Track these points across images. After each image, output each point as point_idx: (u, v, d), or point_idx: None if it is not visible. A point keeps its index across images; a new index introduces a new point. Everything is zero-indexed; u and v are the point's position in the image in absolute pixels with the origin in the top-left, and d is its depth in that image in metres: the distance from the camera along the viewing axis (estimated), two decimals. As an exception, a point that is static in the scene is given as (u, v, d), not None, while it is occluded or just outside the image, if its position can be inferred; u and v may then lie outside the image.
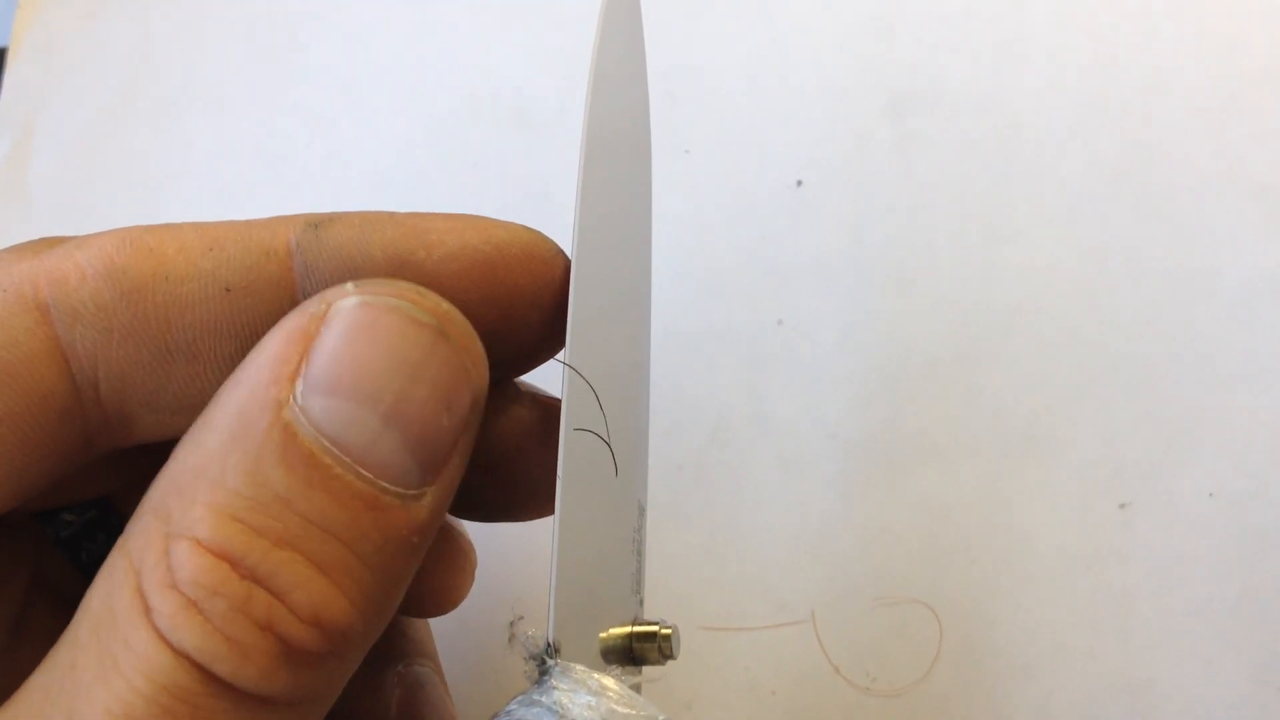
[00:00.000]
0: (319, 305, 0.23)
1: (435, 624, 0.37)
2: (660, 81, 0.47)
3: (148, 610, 0.20)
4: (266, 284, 0.24)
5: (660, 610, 0.34)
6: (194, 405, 0.24)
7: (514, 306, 0.26)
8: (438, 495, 0.23)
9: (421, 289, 0.23)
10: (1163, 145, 0.43)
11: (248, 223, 0.25)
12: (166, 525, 0.21)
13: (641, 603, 0.32)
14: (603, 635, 0.29)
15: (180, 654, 0.20)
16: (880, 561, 0.40)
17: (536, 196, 0.49)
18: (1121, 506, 0.39)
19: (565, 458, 0.27)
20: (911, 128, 0.46)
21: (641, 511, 0.32)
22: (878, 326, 0.43)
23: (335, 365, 0.22)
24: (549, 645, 0.26)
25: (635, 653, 0.30)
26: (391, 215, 0.25)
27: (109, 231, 0.25)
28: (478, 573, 0.35)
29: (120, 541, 0.22)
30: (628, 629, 0.30)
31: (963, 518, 0.40)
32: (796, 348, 0.43)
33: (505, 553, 0.41)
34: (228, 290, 0.24)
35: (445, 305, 0.24)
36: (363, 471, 0.22)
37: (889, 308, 0.43)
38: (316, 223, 0.25)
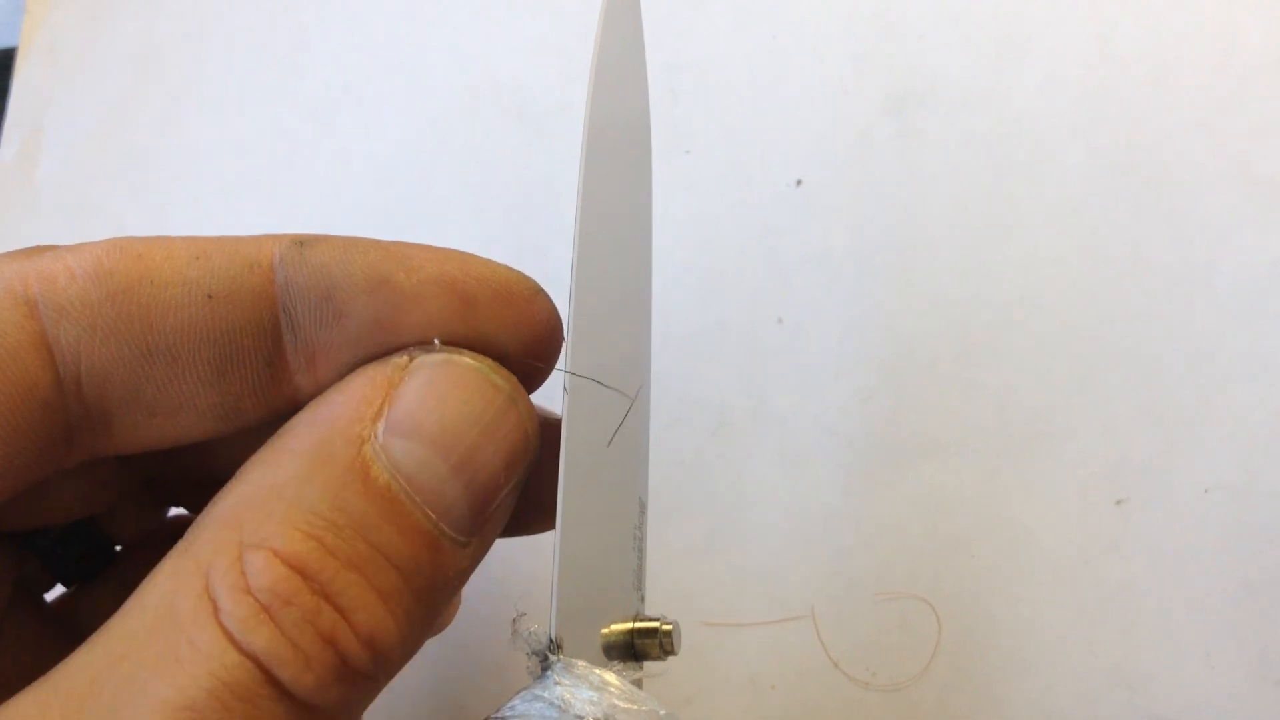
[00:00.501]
0: (402, 357, 0.25)
1: (450, 631, 0.37)
2: (661, 79, 0.47)
3: (216, 611, 0.21)
4: (247, 294, 0.25)
5: (661, 606, 0.34)
6: (171, 406, 0.26)
7: (493, 338, 0.27)
8: (479, 547, 0.26)
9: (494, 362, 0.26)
10: (1162, 140, 0.43)
11: (236, 238, 0.26)
12: (239, 535, 0.22)
13: (643, 599, 0.32)
14: (604, 631, 0.29)
15: (247, 655, 0.21)
16: (880, 557, 0.40)
17: (538, 191, 0.49)
18: (1119, 502, 0.39)
19: (567, 457, 0.27)
20: (911, 125, 0.46)
21: (642, 508, 0.33)
22: (878, 323, 0.43)
23: (417, 412, 0.24)
24: (551, 641, 0.26)
25: (637, 648, 0.30)
26: (376, 241, 0.26)
27: (100, 241, 0.26)
28: (481, 569, 0.35)
29: (183, 547, 0.23)
30: (629, 625, 0.30)
31: (962, 513, 0.40)
32: (797, 345, 0.43)
33: (507, 550, 0.41)
34: (210, 297, 0.25)
35: (514, 378, 0.26)
36: (429, 513, 0.24)
37: (889, 304, 0.43)
38: (303, 241, 0.26)
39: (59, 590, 0.34)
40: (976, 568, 0.39)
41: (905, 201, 0.45)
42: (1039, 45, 0.46)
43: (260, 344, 0.26)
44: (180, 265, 0.25)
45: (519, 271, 0.27)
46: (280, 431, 0.25)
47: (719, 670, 0.40)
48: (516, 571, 0.42)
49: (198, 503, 0.33)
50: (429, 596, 0.24)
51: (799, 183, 0.46)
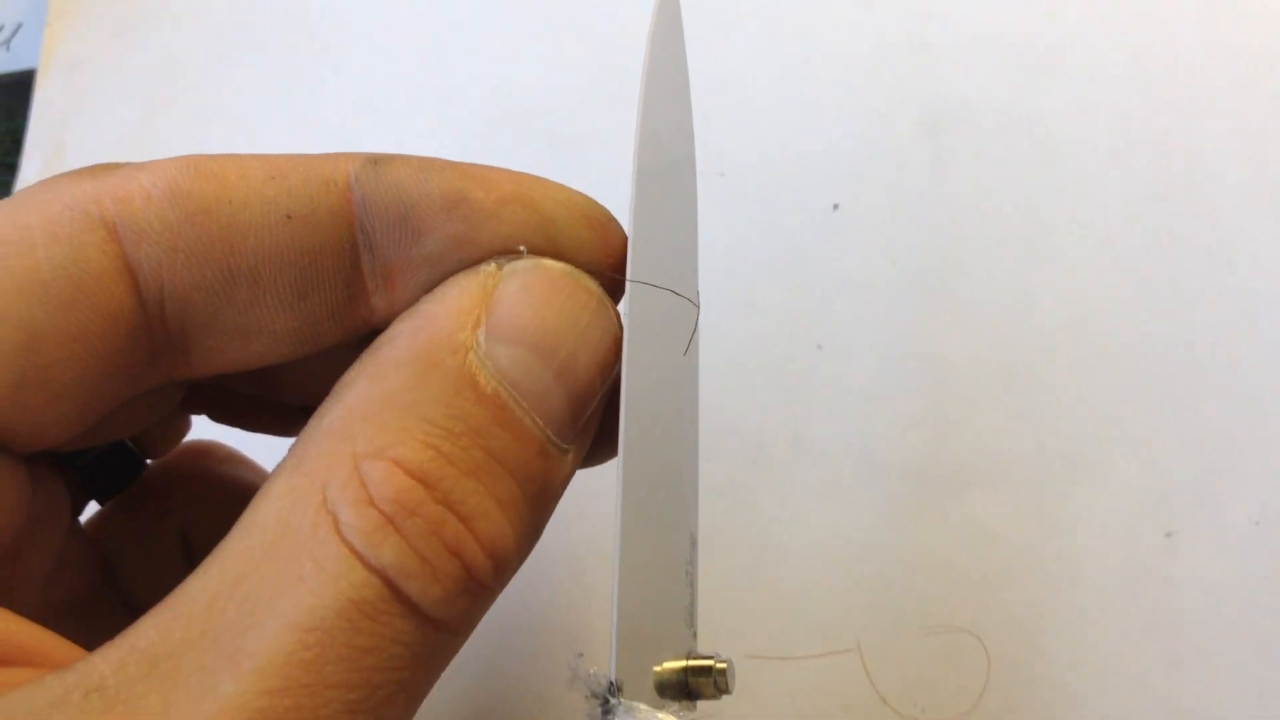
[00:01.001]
0: (490, 265, 0.25)
1: (496, 661, 0.37)
2: (695, 102, 0.47)
3: (337, 525, 0.21)
4: (326, 213, 0.25)
5: (703, 637, 0.34)
6: (250, 330, 0.25)
7: (571, 257, 0.26)
8: (577, 455, 0.26)
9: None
10: (1201, 166, 0.43)
11: (308, 156, 0.26)
12: (353, 446, 0.22)
13: (695, 635, 0.32)
14: (657, 669, 0.29)
15: (373, 569, 0.21)
16: (926, 589, 0.39)
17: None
18: (1168, 535, 0.38)
19: (625, 494, 0.26)
20: (947, 148, 0.45)
21: (693, 543, 0.32)
22: (918, 350, 0.43)
23: (518, 317, 0.24)
24: (611, 684, 0.26)
25: (691, 687, 0.29)
26: (450, 161, 0.26)
27: (170, 158, 0.25)
28: (537, 606, 0.36)
29: (292, 463, 0.23)
30: (683, 663, 0.29)
31: (1008, 544, 0.39)
32: (837, 372, 0.43)
33: (562, 585, 0.40)
34: (289, 217, 0.25)
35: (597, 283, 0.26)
36: (537, 418, 0.24)
37: (929, 331, 0.43)
38: (376, 160, 0.26)
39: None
40: (1024, 601, 0.39)
41: (942, 226, 0.44)
42: (1074, 69, 0.45)
43: (339, 264, 0.25)
44: (257, 184, 0.25)
45: (592, 198, 0.27)
46: (377, 343, 0.25)
47: (764, 705, 0.39)
48: (570, 604, 0.41)
49: (226, 413, 0.33)
50: (540, 505, 0.24)
51: (836, 207, 0.45)
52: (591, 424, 0.26)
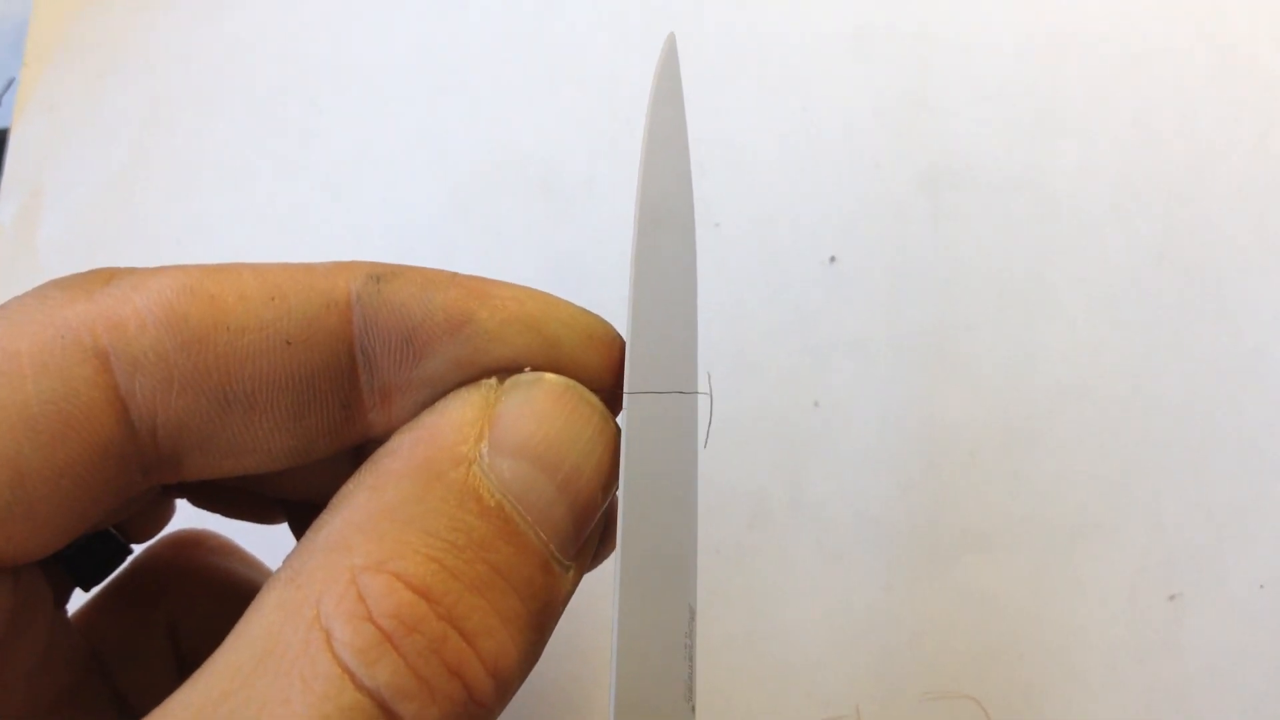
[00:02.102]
0: (491, 379, 0.25)
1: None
2: (691, 152, 0.46)
3: (330, 641, 0.20)
4: (326, 336, 0.24)
5: (700, 701, 0.33)
6: (245, 450, 0.25)
7: (576, 379, 0.26)
8: (579, 573, 0.25)
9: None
10: (1204, 225, 0.43)
11: (307, 269, 0.25)
12: (350, 559, 0.21)
13: (693, 709, 0.31)
14: None
15: (365, 690, 0.20)
16: (926, 655, 0.38)
17: (566, 266, 0.48)
18: (1171, 598, 0.38)
19: (623, 567, 0.26)
20: (948, 203, 0.45)
21: (692, 615, 0.32)
22: (917, 410, 0.42)
23: (521, 431, 0.24)
24: None
25: (690, 762, 0.29)
26: (452, 276, 0.25)
27: (165, 271, 0.24)
28: (535, 678, 0.35)
29: (287, 576, 0.22)
30: None
31: (1010, 609, 0.39)
32: (834, 430, 0.42)
33: (560, 657, 0.40)
34: (288, 343, 0.24)
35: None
36: (540, 533, 0.23)
37: (928, 390, 0.42)
38: (378, 275, 0.25)
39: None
40: (1026, 667, 0.38)
41: (942, 283, 0.44)
42: (1076, 126, 0.45)
43: (337, 386, 0.25)
44: (256, 307, 0.24)
45: (597, 315, 0.27)
46: (378, 455, 0.24)
47: (761, 774, 0.38)
48: (556, 673, 0.40)
49: (207, 500, 0.32)
50: (542, 623, 0.24)
51: (833, 259, 0.45)
52: (593, 540, 0.26)
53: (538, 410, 0.24)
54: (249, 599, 0.33)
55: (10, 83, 0.61)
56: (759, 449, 0.43)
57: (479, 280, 0.25)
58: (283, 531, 0.34)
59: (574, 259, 0.48)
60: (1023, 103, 0.46)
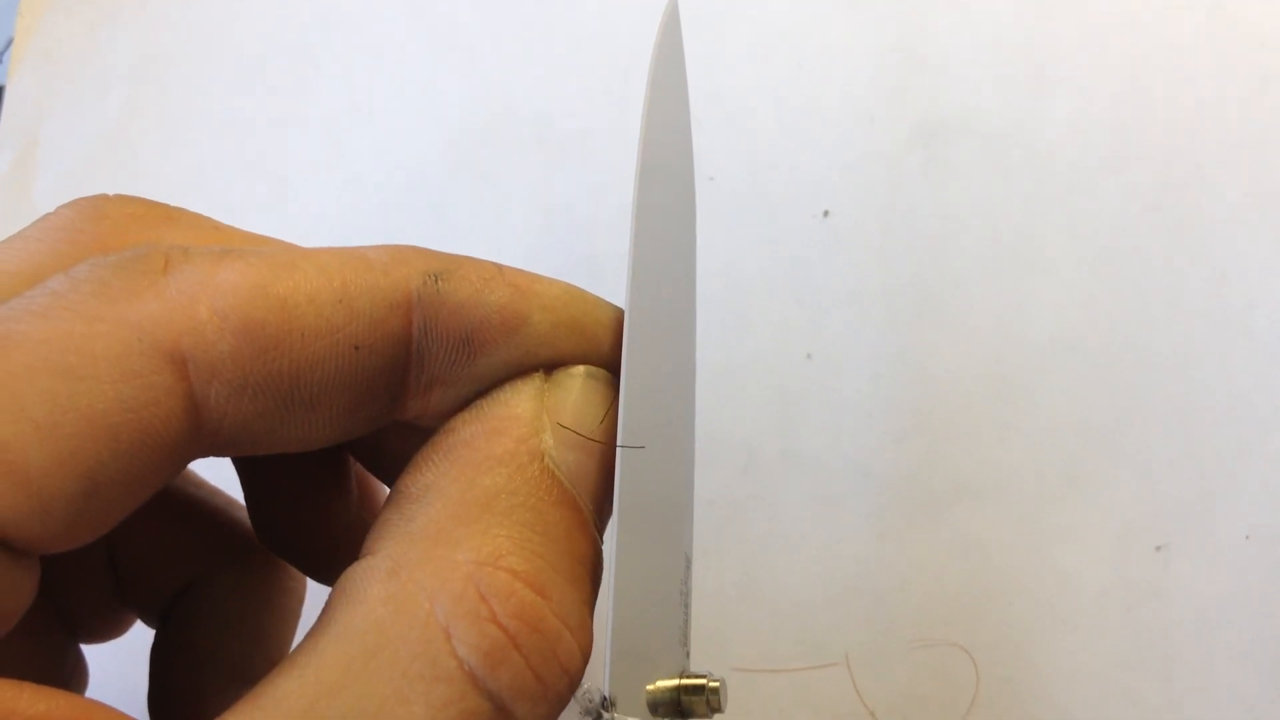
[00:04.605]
0: (537, 373, 0.26)
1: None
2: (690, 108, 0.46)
3: (450, 641, 0.21)
4: (389, 340, 0.25)
5: (692, 650, 0.33)
6: (294, 441, 0.25)
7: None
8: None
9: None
10: (1196, 180, 0.43)
11: (366, 263, 0.25)
12: (458, 554, 0.22)
13: (688, 654, 0.31)
14: (650, 688, 0.29)
15: (486, 694, 0.20)
16: (915, 603, 0.39)
17: (559, 219, 0.48)
18: (1158, 548, 0.38)
19: (620, 515, 0.27)
20: (941, 157, 0.45)
21: (688, 564, 0.32)
22: (909, 361, 0.42)
23: (575, 423, 0.25)
24: (605, 700, 0.26)
25: (683, 705, 0.29)
26: (501, 271, 0.26)
27: (228, 262, 0.24)
28: None
29: (385, 566, 0.22)
30: (676, 681, 0.29)
31: (999, 558, 0.39)
32: (827, 382, 0.42)
33: None
34: (356, 349, 0.24)
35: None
36: (596, 519, 0.25)
37: (920, 341, 0.42)
38: (437, 274, 0.25)
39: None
40: (1014, 615, 0.38)
41: (935, 236, 0.44)
42: (1070, 79, 0.45)
43: (391, 382, 0.25)
44: (326, 312, 0.24)
45: (612, 304, 0.28)
46: (450, 445, 0.25)
47: (752, 718, 0.39)
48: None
49: None
50: (595, 601, 0.25)
51: (826, 214, 0.45)
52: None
53: (584, 402, 0.25)
54: (189, 515, 0.33)
55: (9, 42, 0.61)
56: (752, 400, 0.43)
57: (525, 277, 0.26)
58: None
59: (568, 210, 0.48)
60: (1017, 57, 0.46)
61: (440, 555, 0.22)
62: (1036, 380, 0.41)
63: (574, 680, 0.22)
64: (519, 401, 0.25)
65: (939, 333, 0.42)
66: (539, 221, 0.49)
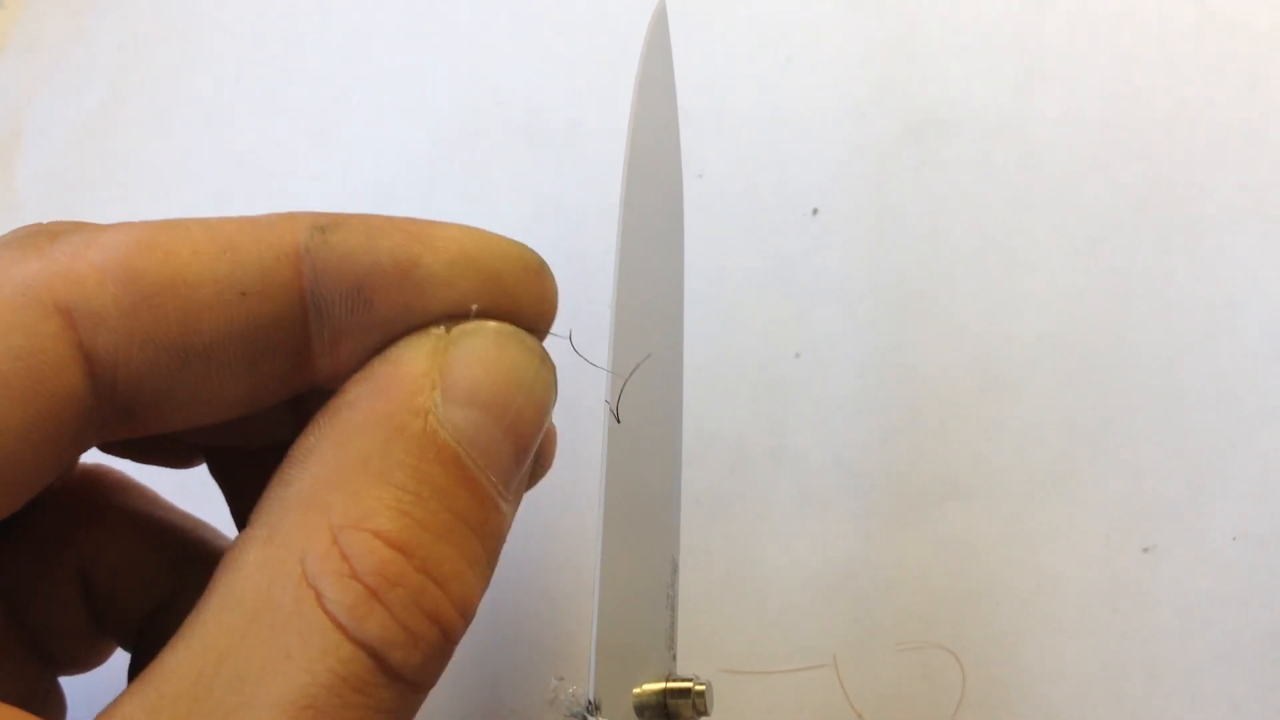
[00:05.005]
0: (439, 328, 0.25)
1: (472, 679, 0.37)
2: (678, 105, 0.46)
3: (320, 599, 0.21)
4: (279, 288, 0.25)
5: (679, 651, 0.33)
6: (200, 401, 0.25)
7: (512, 311, 0.27)
8: (518, 501, 0.27)
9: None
10: (1186, 176, 0.43)
11: (253, 221, 0.26)
12: (328, 517, 0.22)
13: (675, 658, 0.31)
14: (636, 691, 0.29)
15: (359, 644, 0.21)
16: (902, 603, 0.39)
17: (547, 211, 0.48)
18: (1146, 549, 0.38)
19: (606, 517, 0.27)
20: (931, 154, 0.45)
21: (674, 568, 0.32)
22: (898, 359, 0.42)
23: (471, 379, 0.25)
24: (590, 704, 0.26)
25: (669, 709, 0.30)
26: (392, 220, 0.26)
27: (113, 227, 0.25)
28: (517, 632, 0.36)
29: (264, 534, 0.23)
30: (662, 685, 0.30)
31: (986, 558, 0.39)
32: (815, 380, 0.42)
33: (542, 610, 0.40)
34: (243, 294, 0.25)
35: (536, 339, 0.27)
36: (490, 476, 0.25)
37: (909, 339, 0.42)
38: (323, 225, 0.25)
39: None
40: (1001, 616, 0.38)
41: (924, 233, 0.44)
42: (1060, 76, 0.45)
43: (289, 335, 0.25)
44: (210, 261, 0.24)
45: (526, 245, 0.28)
46: (334, 407, 0.25)
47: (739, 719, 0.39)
48: (552, 630, 0.40)
49: (122, 449, 0.32)
50: (495, 555, 0.25)
51: (815, 211, 0.45)
52: (529, 469, 0.27)
53: (484, 358, 0.25)
54: (161, 539, 0.34)
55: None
56: (740, 398, 0.43)
57: (418, 223, 0.26)
58: (192, 473, 0.34)
59: (556, 203, 0.48)
60: (1007, 54, 0.46)
61: (312, 520, 0.23)
62: (1024, 378, 0.41)
63: (448, 628, 0.23)
64: (409, 358, 0.25)
65: (928, 330, 0.42)
66: (527, 214, 0.48)
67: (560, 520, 0.42)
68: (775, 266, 0.44)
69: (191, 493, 0.34)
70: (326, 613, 0.21)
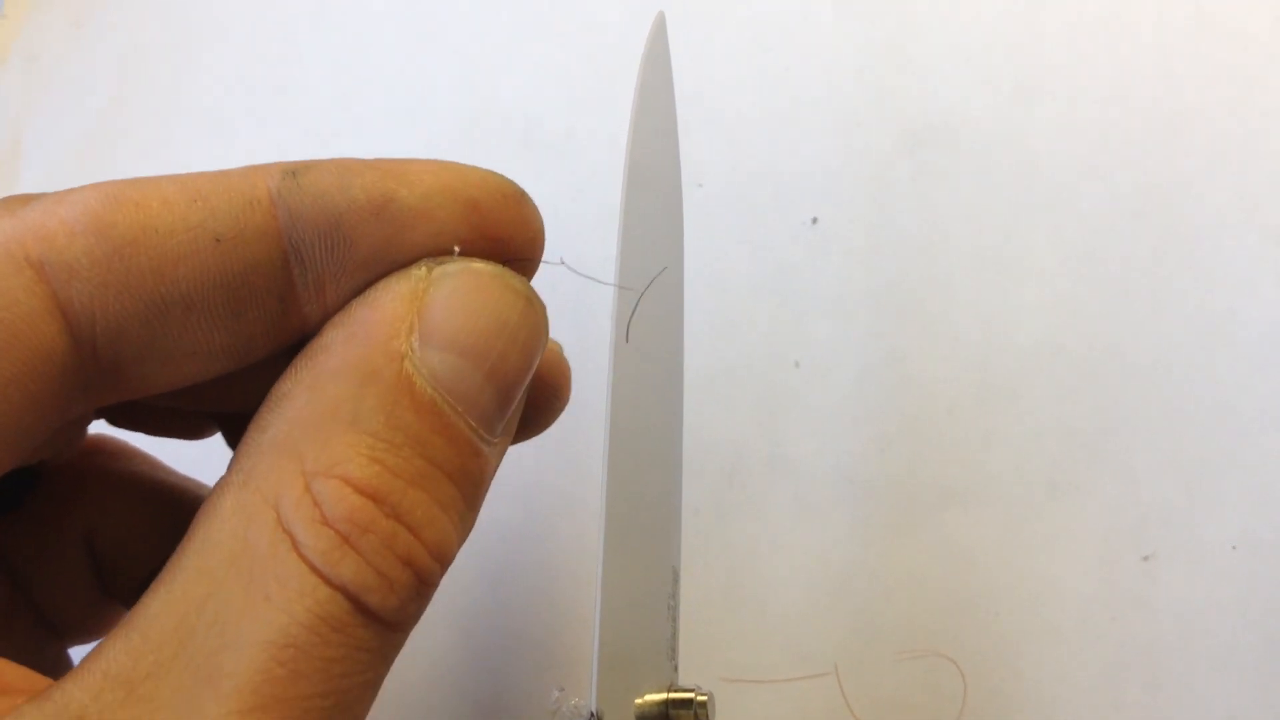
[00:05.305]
0: (420, 269, 0.25)
1: (477, 697, 0.37)
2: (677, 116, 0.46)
3: (295, 544, 0.22)
4: (254, 233, 0.25)
5: (680, 660, 0.33)
6: (185, 353, 0.25)
7: (496, 239, 0.27)
8: (506, 440, 0.27)
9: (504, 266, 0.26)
10: (1181, 185, 0.43)
11: (224, 173, 0.25)
12: (301, 464, 0.23)
13: (676, 668, 0.31)
14: (638, 701, 0.29)
15: (335, 586, 0.22)
16: (903, 612, 0.39)
17: (545, 218, 0.48)
18: (1145, 558, 0.38)
19: (608, 527, 0.28)
20: (928, 163, 0.45)
21: (675, 577, 0.32)
22: (896, 367, 0.42)
23: (449, 323, 0.24)
24: (592, 715, 0.26)
25: (671, 719, 0.30)
26: (364, 161, 0.26)
27: (86, 187, 0.25)
28: (518, 643, 0.36)
29: (240, 480, 0.23)
30: (664, 695, 0.30)
31: (985, 566, 0.39)
32: (814, 389, 0.42)
33: (545, 621, 0.40)
34: (217, 241, 0.24)
35: (526, 279, 0.26)
36: (469, 420, 0.24)
37: (907, 348, 0.42)
38: (294, 170, 0.25)
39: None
40: (1001, 624, 0.38)
41: (922, 242, 0.44)
42: (1057, 86, 0.45)
43: (271, 280, 0.25)
44: (180, 211, 0.24)
45: (502, 174, 0.27)
46: (312, 350, 0.25)
47: (739, 729, 0.39)
48: (553, 641, 0.41)
49: (129, 420, 0.33)
50: (474, 500, 0.25)
51: (814, 221, 0.45)
52: (519, 411, 0.27)
53: (465, 301, 0.25)
54: (166, 504, 0.34)
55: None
56: (739, 407, 0.43)
57: (393, 161, 0.26)
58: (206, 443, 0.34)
59: (553, 211, 0.48)
60: (1003, 63, 0.46)
61: (284, 465, 0.23)
62: (1022, 386, 0.41)
63: (422, 572, 0.23)
64: (386, 301, 0.25)
65: (925, 339, 0.42)
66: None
67: (561, 531, 0.42)
68: (774, 275, 0.45)
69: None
70: (302, 557, 0.22)
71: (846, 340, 0.43)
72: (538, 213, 0.28)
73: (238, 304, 0.25)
